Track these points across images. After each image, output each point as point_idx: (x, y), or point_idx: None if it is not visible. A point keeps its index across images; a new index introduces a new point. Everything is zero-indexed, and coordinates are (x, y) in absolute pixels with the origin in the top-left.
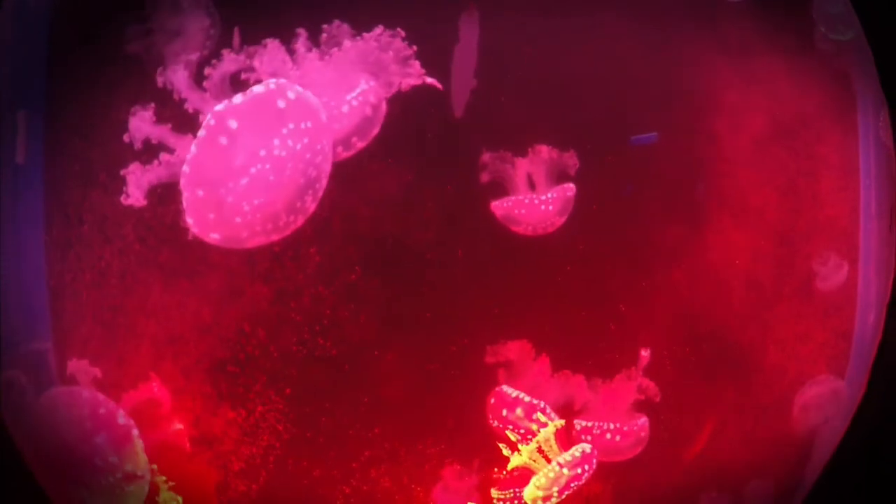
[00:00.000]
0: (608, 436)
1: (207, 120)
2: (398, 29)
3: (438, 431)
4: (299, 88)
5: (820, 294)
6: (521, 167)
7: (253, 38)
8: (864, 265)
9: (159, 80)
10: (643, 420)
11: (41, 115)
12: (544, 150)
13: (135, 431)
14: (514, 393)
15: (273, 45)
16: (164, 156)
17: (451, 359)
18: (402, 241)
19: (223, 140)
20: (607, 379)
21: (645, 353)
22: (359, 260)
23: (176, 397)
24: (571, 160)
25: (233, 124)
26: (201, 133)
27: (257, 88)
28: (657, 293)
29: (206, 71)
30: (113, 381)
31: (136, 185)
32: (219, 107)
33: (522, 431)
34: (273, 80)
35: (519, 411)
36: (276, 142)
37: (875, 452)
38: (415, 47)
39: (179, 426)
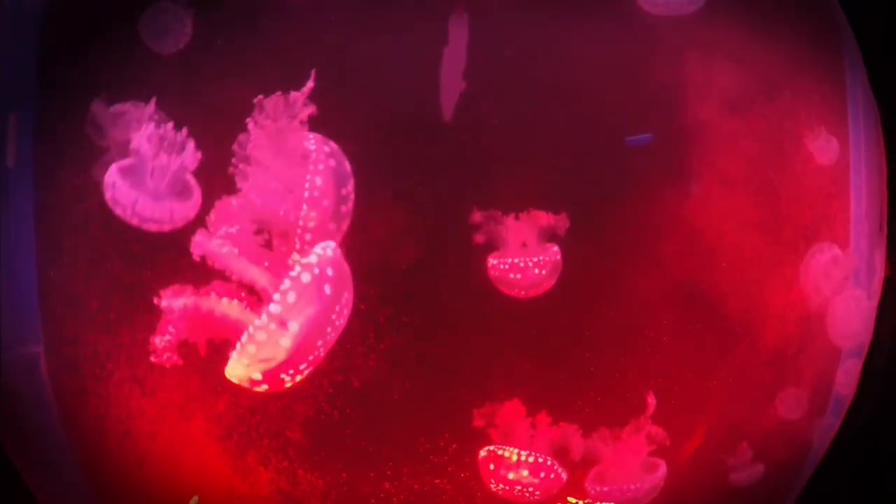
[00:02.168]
0: (629, 494)
1: (267, 324)
2: (256, 99)
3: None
4: (329, 251)
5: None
6: (513, 227)
7: None
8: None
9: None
10: (661, 471)
11: (32, 119)
12: (541, 217)
13: None
14: (514, 455)
15: (220, 205)
16: (188, 312)
17: (444, 421)
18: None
19: (286, 342)
20: (614, 428)
21: (651, 401)
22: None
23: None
24: (563, 222)
25: (294, 327)
26: (261, 336)
27: (305, 278)
28: (652, 342)
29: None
30: None
31: (167, 347)
32: (275, 308)
33: (531, 489)
34: (315, 267)
35: (525, 472)
36: (329, 329)
37: (870, 446)
38: (279, 91)
39: None
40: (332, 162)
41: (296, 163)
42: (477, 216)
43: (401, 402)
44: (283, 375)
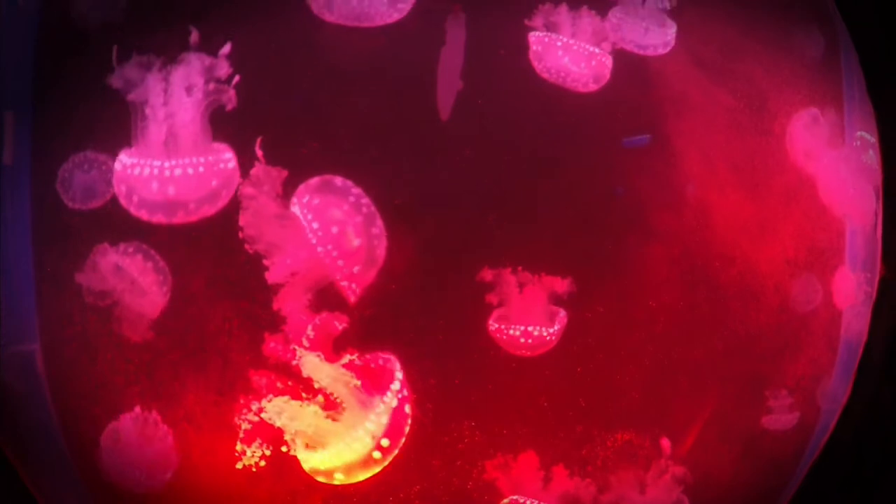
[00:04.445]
0: None
1: (360, 434)
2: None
3: None
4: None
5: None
6: (525, 293)
7: None
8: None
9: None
10: None
11: (29, 117)
12: (554, 282)
13: None
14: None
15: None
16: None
17: (456, 474)
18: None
19: (377, 455)
20: (638, 471)
21: (666, 442)
22: None
23: None
24: (570, 286)
25: (386, 443)
26: (358, 448)
27: (389, 400)
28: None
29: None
30: None
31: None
32: (371, 426)
33: None
34: (396, 392)
35: None
36: (403, 439)
37: (863, 445)
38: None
39: None
40: (315, 200)
41: (294, 226)
42: (487, 274)
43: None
44: (360, 474)
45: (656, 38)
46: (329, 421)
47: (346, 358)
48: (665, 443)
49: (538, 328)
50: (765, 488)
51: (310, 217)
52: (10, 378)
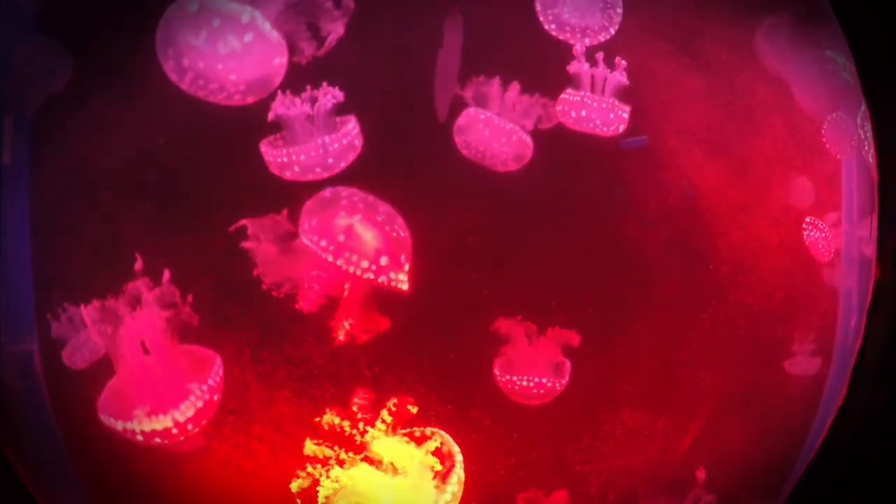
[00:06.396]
0: None
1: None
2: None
3: None
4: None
5: None
6: (537, 346)
7: None
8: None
9: None
10: None
11: (28, 118)
12: (566, 335)
13: None
14: None
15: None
16: None
17: None
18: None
19: None
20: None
21: (700, 474)
22: None
23: None
24: (574, 338)
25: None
26: None
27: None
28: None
29: None
30: None
31: None
32: (446, 497)
33: None
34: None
35: None
36: None
37: (858, 453)
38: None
39: None
40: (313, 221)
41: (304, 255)
42: (502, 326)
43: None
44: None
45: (613, 120)
46: (400, 492)
47: (433, 445)
48: (700, 473)
49: (552, 380)
50: (777, 462)
51: (316, 239)
52: (9, 378)
